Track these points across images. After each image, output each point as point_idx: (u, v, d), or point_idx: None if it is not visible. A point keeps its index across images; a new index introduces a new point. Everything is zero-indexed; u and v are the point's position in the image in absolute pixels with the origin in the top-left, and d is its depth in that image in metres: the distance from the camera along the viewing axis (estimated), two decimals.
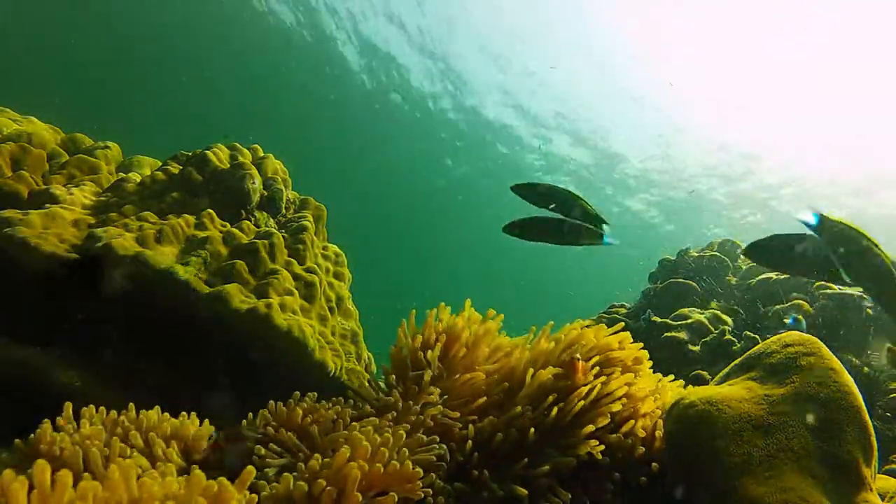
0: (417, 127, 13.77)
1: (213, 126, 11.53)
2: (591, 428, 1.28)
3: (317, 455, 1.05)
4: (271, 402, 1.32)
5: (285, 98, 13.94)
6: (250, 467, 0.87)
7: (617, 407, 1.33)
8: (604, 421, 1.31)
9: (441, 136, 13.85)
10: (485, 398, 1.36)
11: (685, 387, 1.52)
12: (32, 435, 1.06)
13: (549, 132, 12.38)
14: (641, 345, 1.52)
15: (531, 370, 1.38)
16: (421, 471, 1.05)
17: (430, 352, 1.40)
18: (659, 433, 1.37)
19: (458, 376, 1.43)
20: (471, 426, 1.28)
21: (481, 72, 11.58)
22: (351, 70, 12.40)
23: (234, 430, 1.18)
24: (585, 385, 1.33)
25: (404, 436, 1.12)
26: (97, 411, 1.17)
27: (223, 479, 0.81)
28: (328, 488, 0.95)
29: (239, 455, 1.13)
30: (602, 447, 1.28)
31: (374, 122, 14.01)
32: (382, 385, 1.50)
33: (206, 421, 1.30)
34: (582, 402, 1.29)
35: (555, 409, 1.28)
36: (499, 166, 14.34)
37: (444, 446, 1.23)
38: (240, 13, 11.29)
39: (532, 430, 1.25)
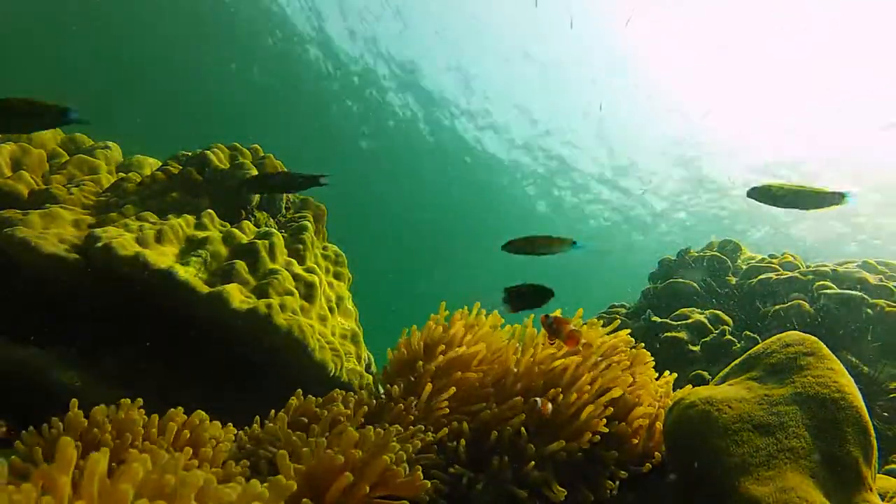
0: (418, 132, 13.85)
1: (213, 126, 11.53)
2: (591, 409, 1.28)
3: (332, 447, 1.06)
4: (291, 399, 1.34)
5: (285, 98, 13.94)
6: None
7: (617, 393, 1.34)
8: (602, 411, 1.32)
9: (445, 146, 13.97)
10: (483, 404, 1.38)
11: (685, 387, 1.52)
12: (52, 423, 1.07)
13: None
14: (628, 335, 1.55)
15: (514, 358, 1.42)
16: (428, 483, 1.06)
17: (437, 350, 1.44)
18: (659, 425, 1.38)
19: (453, 375, 1.45)
20: (464, 422, 1.30)
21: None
22: (349, 74, 12.46)
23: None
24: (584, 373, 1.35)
25: (417, 443, 1.14)
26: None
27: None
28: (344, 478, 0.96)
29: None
30: (598, 438, 1.29)
31: (373, 123, 14.06)
32: (380, 387, 1.52)
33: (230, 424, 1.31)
34: (576, 395, 1.30)
35: (552, 391, 1.28)
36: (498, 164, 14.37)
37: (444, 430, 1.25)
38: (239, 14, 11.31)
39: (523, 426, 1.27)
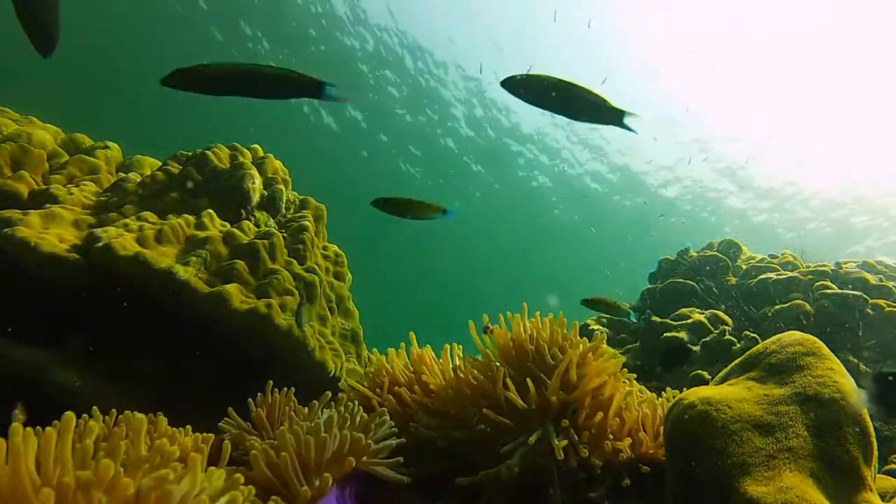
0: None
1: (213, 126, 11.54)
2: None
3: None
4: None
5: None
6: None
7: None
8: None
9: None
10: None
11: (685, 387, 1.52)
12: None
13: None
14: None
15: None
16: (372, 443, 1.15)
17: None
18: (652, 427, 1.38)
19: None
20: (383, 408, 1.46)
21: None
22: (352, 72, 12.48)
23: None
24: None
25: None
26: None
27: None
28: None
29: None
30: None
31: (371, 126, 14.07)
32: None
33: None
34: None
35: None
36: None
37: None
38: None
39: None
